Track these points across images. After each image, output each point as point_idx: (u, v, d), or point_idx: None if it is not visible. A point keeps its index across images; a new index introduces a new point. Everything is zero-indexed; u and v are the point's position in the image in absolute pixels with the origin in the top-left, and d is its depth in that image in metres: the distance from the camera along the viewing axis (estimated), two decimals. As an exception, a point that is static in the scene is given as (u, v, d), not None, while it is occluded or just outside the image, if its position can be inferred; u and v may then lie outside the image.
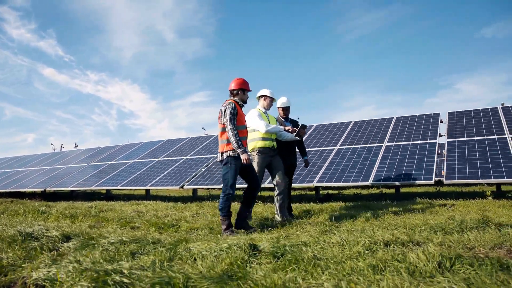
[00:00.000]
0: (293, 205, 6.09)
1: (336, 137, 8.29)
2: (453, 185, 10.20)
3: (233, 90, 4.23)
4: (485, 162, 5.85)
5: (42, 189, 10.13)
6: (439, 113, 8.19)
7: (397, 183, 5.94)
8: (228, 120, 3.97)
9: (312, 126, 9.37)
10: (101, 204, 7.72)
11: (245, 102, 4.29)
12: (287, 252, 2.38)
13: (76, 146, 33.29)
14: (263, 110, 4.84)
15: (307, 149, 7.77)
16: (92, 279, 1.75)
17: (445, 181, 5.71)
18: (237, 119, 4.04)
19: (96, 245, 3.23)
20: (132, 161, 10.47)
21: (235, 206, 6.23)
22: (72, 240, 3.56)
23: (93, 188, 9.19)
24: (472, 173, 5.68)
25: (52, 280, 1.78)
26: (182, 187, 7.78)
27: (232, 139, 3.94)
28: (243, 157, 3.93)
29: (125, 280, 1.76)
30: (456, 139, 6.86)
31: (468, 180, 5.58)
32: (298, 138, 4.79)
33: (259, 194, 8.47)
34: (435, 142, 6.91)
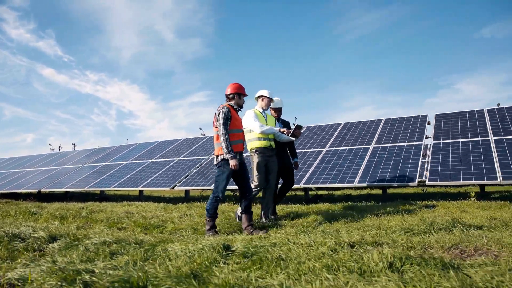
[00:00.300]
0: (281, 206, 6.20)
1: (326, 138, 8.41)
2: (438, 186, 10.33)
3: (229, 94, 4.30)
4: (468, 164, 5.97)
5: (37, 190, 10.24)
6: (426, 115, 8.31)
7: (381, 184, 6.06)
8: (221, 125, 4.03)
9: (303, 127, 9.48)
10: (93, 205, 7.83)
11: (241, 107, 4.36)
12: (256, 253, 2.50)
13: (74, 147, 33.38)
14: (261, 111, 4.92)
15: (297, 151, 7.88)
16: (62, 278, 1.86)
17: (427, 183, 5.83)
18: (231, 122, 4.11)
19: (79, 245, 3.33)
20: (126, 162, 10.58)
21: (224, 208, 6.37)
22: (58, 240, 3.67)
23: (86, 189, 9.30)
24: (454, 174, 5.79)
25: (24, 279, 1.90)
26: (173, 188, 7.90)
27: (223, 144, 4.00)
28: (231, 163, 3.97)
29: (94, 279, 1.87)
30: (441, 141, 6.98)
31: (450, 181, 5.70)
32: (293, 138, 4.89)
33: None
34: (421, 144, 7.03)
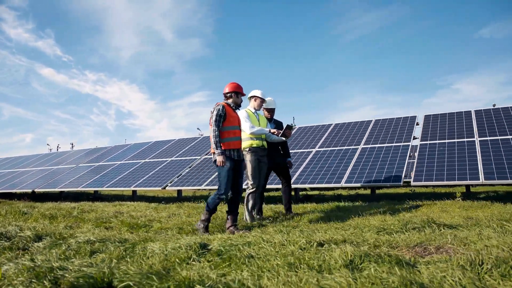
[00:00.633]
0: (269, 206, 6.30)
1: (316, 139, 8.50)
2: (423, 186, 10.44)
3: (227, 93, 4.39)
4: (452, 165, 6.07)
5: (31, 190, 10.31)
6: (415, 116, 8.40)
7: (367, 185, 6.15)
8: (213, 122, 4.11)
9: (295, 128, 9.58)
10: (85, 205, 7.91)
11: (238, 105, 4.45)
12: (228, 251, 2.59)
13: (72, 147, 33.44)
14: (253, 111, 5.01)
15: (287, 151, 7.97)
16: (34, 275, 1.95)
17: (412, 183, 5.93)
18: (226, 120, 4.18)
19: (63, 244, 3.42)
20: (120, 162, 10.66)
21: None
22: (44, 240, 3.75)
23: (80, 189, 9.38)
24: (438, 175, 5.89)
25: (-2, 276, 1.99)
26: (164, 188, 7.98)
27: (212, 140, 4.09)
28: (218, 159, 4.04)
29: (63, 275, 1.95)
30: (428, 142, 7.07)
31: (434, 182, 5.79)
32: (284, 138, 4.98)
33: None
34: (408, 145, 7.13)
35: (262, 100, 5.04)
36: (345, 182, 6.31)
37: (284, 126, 5.01)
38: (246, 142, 4.83)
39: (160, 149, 10.86)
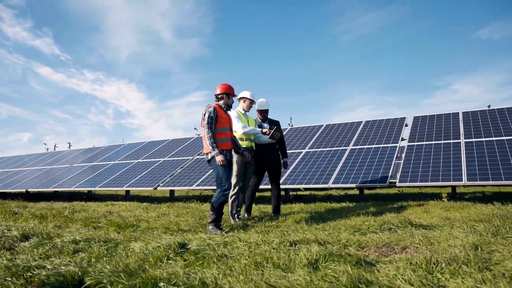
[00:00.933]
0: (257, 206, 6.39)
1: (307, 140, 8.60)
2: (407, 187, 10.54)
3: (218, 94, 4.48)
4: (437, 166, 6.18)
5: (25, 190, 10.38)
6: (405, 117, 8.51)
7: (354, 185, 6.25)
8: (206, 124, 4.21)
9: (286, 129, 9.67)
10: (78, 205, 7.98)
11: (230, 106, 4.54)
12: (203, 250, 2.68)
13: (70, 146, 33.46)
14: (242, 112, 5.09)
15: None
16: (11, 274, 2.03)
17: (397, 184, 6.02)
18: (218, 121, 4.28)
19: (48, 244, 3.51)
20: (113, 162, 10.74)
21: (194, 206, 6.54)
22: (31, 239, 3.84)
23: (73, 189, 9.45)
24: (423, 176, 6.00)
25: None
26: (156, 188, 8.07)
27: (208, 142, 4.19)
28: (217, 159, 4.13)
29: (42, 274, 2.04)
30: (415, 143, 7.18)
31: (418, 183, 5.90)
32: (272, 140, 5.07)
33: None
34: (396, 146, 7.23)
35: (251, 102, 5.13)
36: (333, 183, 6.40)
37: (273, 128, 5.10)
38: None
39: (153, 149, 10.94)
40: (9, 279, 1.88)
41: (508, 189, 10.17)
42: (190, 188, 7.57)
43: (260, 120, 5.41)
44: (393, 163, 6.64)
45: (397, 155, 7.03)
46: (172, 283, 1.75)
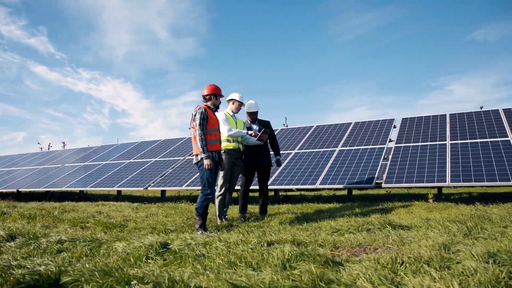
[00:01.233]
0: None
1: (297, 141, 8.68)
2: (393, 188, 10.64)
3: (206, 95, 4.52)
4: (423, 167, 6.28)
5: (16, 190, 10.38)
6: (394, 119, 8.62)
7: (341, 186, 6.34)
8: (198, 125, 4.24)
9: (277, 129, 9.75)
10: (68, 205, 8.02)
11: (217, 107, 4.59)
12: (182, 250, 2.75)
13: (64, 146, 33.34)
14: (231, 114, 5.16)
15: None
16: (-9, 272, 2.09)
17: (383, 185, 6.12)
18: (208, 122, 4.32)
19: (33, 244, 3.56)
20: (105, 162, 10.77)
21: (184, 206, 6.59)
22: (17, 239, 3.89)
23: (64, 189, 9.47)
24: (408, 177, 6.10)
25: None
26: (146, 188, 8.12)
27: (199, 144, 4.22)
28: (206, 162, 4.19)
29: (20, 272, 2.10)
30: (402, 145, 7.29)
31: (403, 184, 6.00)
32: (260, 142, 5.14)
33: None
34: (384, 147, 7.34)
35: (240, 103, 5.20)
36: (320, 183, 6.49)
37: (261, 129, 5.17)
38: (222, 144, 4.98)
39: (145, 149, 10.98)
40: (-13, 278, 1.94)
41: (496, 190, 10.33)
42: (181, 188, 7.63)
43: (249, 122, 5.48)
44: (379, 164, 6.74)
45: (384, 156, 7.14)
46: (145, 281, 1.81)
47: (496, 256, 2.05)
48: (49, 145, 34.43)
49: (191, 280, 1.64)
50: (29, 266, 2.31)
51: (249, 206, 6.65)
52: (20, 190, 10.38)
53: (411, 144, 7.22)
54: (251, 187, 5.57)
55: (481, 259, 2.02)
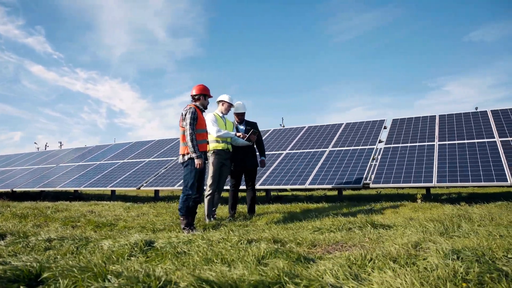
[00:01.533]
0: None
1: (288, 141, 8.78)
2: (381, 188, 10.76)
3: (195, 95, 4.58)
4: (410, 168, 6.38)
5: (10, 190, 10.43)
6: (384, 120, 8.72)
7: (330, 186, 6.43)
8: (188, 125, 4.30)
9: (269, 130, 9.85)
10: (61, 204, 8.08)
11: (205, 107, 4.66)
12: (164, 247, 2.84)
13: (61, 146, 33.32)
14: (220, 115, 5.25)
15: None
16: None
17: (371, 185, 6.22)
18: (197, 123, 4.39)
19: (22, 242, 3.63)
20: (99, 162, 10.84)
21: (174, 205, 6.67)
22: (6, 238, 3.96)
23: (58, 188, 9.53)
24: (396, 178, 6.20)
25: None
26: (139, 188, 8.19)
27: (189, 144, 4.27)
28: (197, 161, 4.25)
29: (6, 267, 2.18)
30: (391, 145, 7.39)
31: (391, 184, 6.09)
32: (249, 143, 5.23)
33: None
34: (373, 148, 7.44)
35: (230, 105, 5.28)
36: (309, 184, 6.58)
37: (249, 130, 5.27)
38: (211, 145, 5.07)
39: (139, 149, 11.05)
40: (-29, 273, 2.02)
41: (486, 190, 10.45)
42: (173, 188, 7.70)
43: (237, 123, 5.56)
44: (368, 165, 6.84)
45: (373, 157, 7.23)
46: (122, 276, 1.90)
47: (460, 253, 2.14)
48: (45, 145, 34.40)
49: (162, 275, 1.73)
50: (13, 263, 2.39)
51: (239, 206, 6.74)
52: (14, 189, 10.44)
53: (400, 145, 7.32)
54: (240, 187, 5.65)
55: (446, 256, 2.12)
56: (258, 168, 6.05)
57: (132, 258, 2.74)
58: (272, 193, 8.99)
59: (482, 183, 5.56)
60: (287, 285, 1.64)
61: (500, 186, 7.55)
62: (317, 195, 9.39)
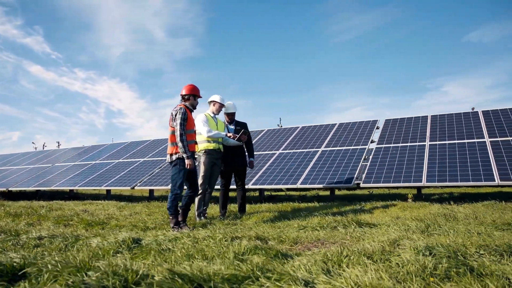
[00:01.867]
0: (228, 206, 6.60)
1: (281, 142, 8.84)
2: (371, 188, 10.84)
3: (185, 95, 4.61)
4: (401, 168, 6.45)
5: (6, 189, 10.47)
6: (377, 120, 8.80)
7: (321, 186, 6.50)
8: (178, 125, 4.33)
9: (263, 130, 9.91)
10: (56, 204, 8.13)
11: (194, 108, 4.70)
12: (150, 245, 2.90)
13: (59, 146, 33.36)
14: (212, 115, 5.31)
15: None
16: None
17: (361, 185, 6.29)
18: (188, 123, 4.44)
19: (13, 240, 3.69)
20: (94, 162, 10.88)
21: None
22: (-2, 236, 4.01)
23: (53, 188, 9.58)
24: (386, 177, 6.27)
25: None
26: (133, 188, 8.24)
27: (180, 144, 4.31)
28: (187, 161, 4.31)
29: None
30: (383, 146, 7.46)
31: (381, 184, 6.17)
32: (240, 143, 5.29)
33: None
34: (365, 148, 7.51)
35: (221, 105, 5.35)
36: (301, 183, 6.65)
37: (239, 130, 5.34)
38: (203, 144, 5.13)
39: (134, 149, 11.10)
40: (-43, 268, 2.07)
41: (479, 190, 10.53)
42: (167, 187, 7.76)
43: (227, 123, 5.63)
44: (360, 164, 6.91)
45: (365, 157, 7.31)
46: (101, 271, 1.96)
47: (433, 249, 2.21)
48: (43, 145, 34.43)
49: (139, 269, 1.79)
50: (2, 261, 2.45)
51: (231, 205, 6.81)
52: (10, 189, 10.48)
53: (392, 145, 7.39)
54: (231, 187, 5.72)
55: (418, 252, 2.18)
56: (249, 168, 6.16)
57: (118, 255, 2.80)
58: (265, 193, 9.06)
59: (471, 183, 5.63)
60: (260, 279, 1.70)
61: (488, 186, 7.63)
62: (310, 195, 9.46)
